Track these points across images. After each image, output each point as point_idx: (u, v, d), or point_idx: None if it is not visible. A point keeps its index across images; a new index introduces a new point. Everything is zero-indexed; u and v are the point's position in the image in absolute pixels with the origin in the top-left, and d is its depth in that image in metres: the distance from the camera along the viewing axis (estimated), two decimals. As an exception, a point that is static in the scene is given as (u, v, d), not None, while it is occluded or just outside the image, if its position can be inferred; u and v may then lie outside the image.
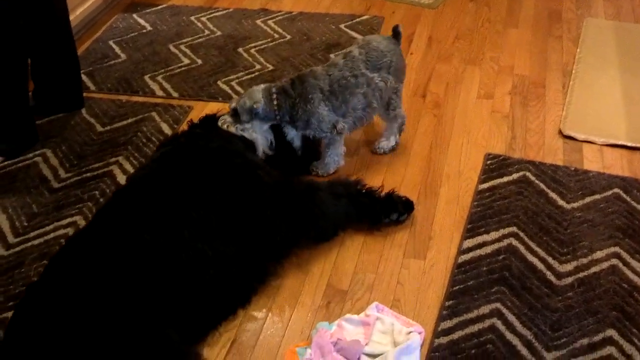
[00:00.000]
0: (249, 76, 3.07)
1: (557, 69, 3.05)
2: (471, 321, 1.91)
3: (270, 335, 1.91)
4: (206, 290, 1.90)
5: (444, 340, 1.86)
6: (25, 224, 2.30)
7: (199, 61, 3.20)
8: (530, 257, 2.10)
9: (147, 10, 3.69)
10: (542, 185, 2.36)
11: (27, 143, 2.65)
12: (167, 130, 2.72)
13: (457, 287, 2.01)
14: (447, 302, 1.96)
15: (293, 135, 2.41)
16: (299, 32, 3.42)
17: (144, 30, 3.49)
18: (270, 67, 3.13)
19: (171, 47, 3.32)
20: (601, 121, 2.69)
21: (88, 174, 2.51)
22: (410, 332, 1.85)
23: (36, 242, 2.23)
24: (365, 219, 2.23)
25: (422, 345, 1.85)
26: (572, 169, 2.44)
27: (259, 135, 2.36)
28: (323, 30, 3.43)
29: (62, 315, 1.71)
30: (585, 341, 1.85)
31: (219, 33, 3.44)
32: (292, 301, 2.01)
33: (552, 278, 2.03)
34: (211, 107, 2.82)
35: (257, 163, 2.24)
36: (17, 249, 2.20)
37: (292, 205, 2.10)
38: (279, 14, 3.61)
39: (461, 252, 2.12)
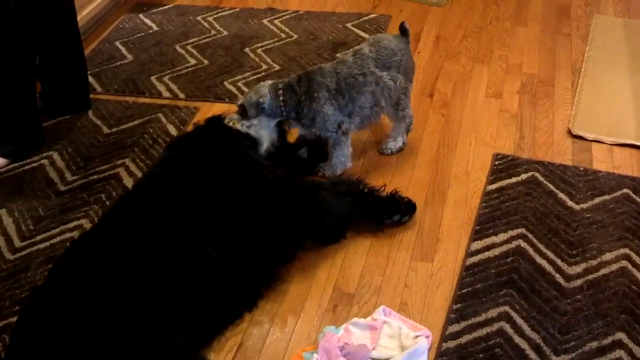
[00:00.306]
0: (255, 76, 3.05)
1: (566, 67, 3.02)
2: (479, 325, 1.89)
3: (277, 340, 1.91)
4: (212, 294, 1.89)
5: (451, 344, 1.85)
6: (32, 227, 2.30)
7: (206, 61, 3.19)
8: (539, 259, 2.08)
9: (154, 11, 3.68)
10: (551, 186, 2.34)
11: (35, 145, 2.65)
12: (173, 131, 2.71)
13: (465, 290, 1.99)
14: (455, 306, 1.95)
15: (301, 132, 2.41)
16: (305, 32, 3.40)
17: (151, 31, 3.48)
18: (277, 67, 3.12)
19: (178, 48, 3.31)
20: (611, 120, 2.67)
21: (95, 177, 2.50)
22: (417, 336, 1.83)
23: (42, 245, 2.23)
24: (368, 218, 2.22)
25: (429, 350, 1.83)
26: (582, 169, 2.42)
27: (265, 131, 2.35)
28: (330, 29, 3.41)
29: (68, 319, 1.71)
30: (594, 344, 1.84)
31: (225, 33, 3.43)
32: (298, 305, 2.00)
33: (561, 280, 2.01)
34: (218, 108, 2.80)
35: (262, 163, 2.23)
36: (23, 252, 2.20)
37: (296, 204, 2.09)
38: (286, 13, 3.59)
39: (469, 254, 2.11)
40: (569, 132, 2.62)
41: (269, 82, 2.35)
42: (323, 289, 2.04)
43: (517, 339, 1.85)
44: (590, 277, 2.02)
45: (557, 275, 2.03)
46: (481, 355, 1.81)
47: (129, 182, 2.46)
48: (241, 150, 2.23)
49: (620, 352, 1.81)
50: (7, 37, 2.37)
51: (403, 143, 2.55)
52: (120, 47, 3.35)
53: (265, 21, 3.53)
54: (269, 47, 3.29)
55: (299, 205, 2.09)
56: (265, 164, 2.22)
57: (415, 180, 2.43)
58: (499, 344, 1.84)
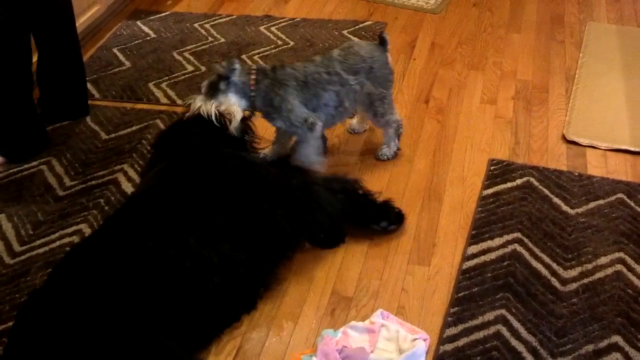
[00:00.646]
0: (252, 83, 3.07)
1: (560, 73, 3.06)
2: (476, 328, 1.91)
3: (275, 343, 1.92)
4: (212, 297, 1.90)
5: (449, 347, 1.86)
6: (31, 232, 2.31)
7: (203, 68, 3.21)
8: (535, 263, 2.10)
9: (151, 18, 3.70)
10: (546, 191, 2.37)
11: (36, 148, 2.66)
12: (171, 137, 2.73)
13: (462, 294, 2.01)
14: (452, 309, 1.96)
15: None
16: (302, 39, 3.43)
17: (148, 38, 3.50)
18: (274, 74, 3.13)
19: (175, 54, 3.33)
20: (605, 126, 2.70)
21: (93, 182, 2.52)
22: (415, 339, 1.85)
23: (41, 250, 2.23)
24: (358, 219, 2.24)
25: (427, 353, 1.85)
26: (576, 174, 2.45)
27: (236, 107, 2.30)
28: (326, 36, 3.44)
29: (64, 322, 1.72)
30: (590, 347, 1.85)
31: (222, 40, 3.45)
32: (297, 308, 2.01)
33: (557, 284, 2.03)
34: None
35: (254, 161, 2.25)
36: (23, 257, 2.21)
37: (289, 198, 2.10)
38: (282, 20, 3.62)
39: (466, 258, 2.13)
40: (564, 137, 2.65)
41: (240, 64, 2.32)
42: (321, 293, 2.06)
43: (514, 342, 1.87)
44: (585, 280, 2.04)
45: (553, 279, 2.05)
46: (478, 358, 1.83)
47: (127, 188, 2.47)
48: (231, 152, 2.24)
49: (616, 355, 1.83)
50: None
51: (397, 148, 2.57)
52: (118, 53, 3.36)
53: (262, 28, 3.55)
54: (265, 54, 3.31)
55: (292, 199, 2.11)
56: (257, 162, 2.26)
57: (412, 185, 2.45)
58: (496, 347, 1.85)
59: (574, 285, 2.03)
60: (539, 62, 3.14)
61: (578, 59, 3.13)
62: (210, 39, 3.47)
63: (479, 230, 2.22)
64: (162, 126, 2.79)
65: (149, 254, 1.87)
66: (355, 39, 2.42)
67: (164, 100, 3.00)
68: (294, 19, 3.63)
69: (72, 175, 2.56)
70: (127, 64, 3.28)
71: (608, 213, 2.28)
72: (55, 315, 1.74)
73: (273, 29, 3.54)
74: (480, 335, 1.89)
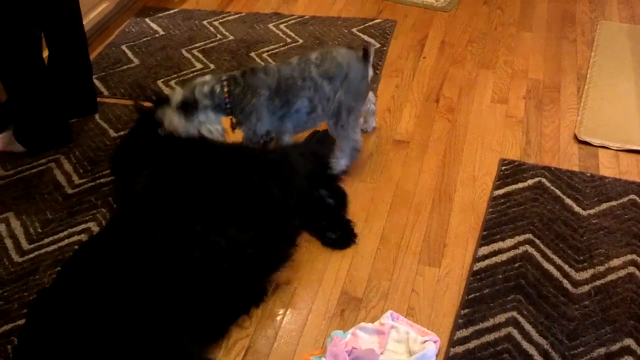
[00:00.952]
0: (261, 81, 3.06)
1: (572, 72, 3.03)
2: (487, 330, 1.89)
3: (284, 344, 1.91)
4: (221, 285, 1.91)
5: (459, 349, 1.85)
6: (40, 230, 2.30)
7: (212, 66, 3.20)
8: (546, 265, 2.08)
9: (160, 15, 3.69)
10: (557, 192, 2.35)
11: (57, 139, 2.67)
12: (180, 135, 2.72)
13: (473, 295, 1.99)
14: (462, 311, 1.95)
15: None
16: (311, 36, 3.41)
17: (157, 35, 3.49)
18: (283, 72, 3.12)
19: (184, 52, 3.32)
20: (617, 126, 2.67)
21: (102, 180, 2.51)
22: (425, 341, 1.84)
23: (50, 248, 2.23)
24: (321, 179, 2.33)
25: (437, 355, 1.83)
26: (588, 174, 2.42)
27: (217, 126, 2.30)
28: (335, 34, 3.42)
29: (75, 319, 1.71)
30: (602, 350, 1.84)
31: (231, 37, 3.44)
32: (305, 309, 2.00)
33: (569, 286, 2.01)
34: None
35: (240, 145, 2.34)
36: (31, 255, 2.21)
37: (274, 169, 2.17)
38: (291, 18, 3.60)
39: (476, 259, 2.11)
40: (575, 137, 2.62)
41: (208, 76, 2.31)
42: (330, 293, 2.04)
43: (525, 345, 1.85)
44: (597, 283, 2.02)
45: (565, 281, 2.03)
46: (489, 360, 1.82)
47: (136, 186, 2.46)
48: (206, 140, 2.30)
49: (628, 358, 1.81)
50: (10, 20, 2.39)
51: (346, 166, 2.44)
52: (127, 51, 3.35)
53: (270, 26, 3.53)
54: (274, 51, 3.30)
55: (275, 169, 2.17)
56: (243, 145, 2.35)
57: (422, 185, 2.43)
58: (507, 350, 1.84)
59: (586, 288, 2.01)
60: (550, 61, 3.12)
61: (590, 58, 3.11)
62: (219, 36, 3.45)
63: (490, 231, 2.20)
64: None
65: (159, 246, 1.88)
66: (337, 47, 2.33)
67: (172, 98, 2.99)
68: (302, 16, 3.61)
69: (80, 173, 2.55)
70: (136, 61, 3.27)
71: (620, 214, 2.26)
72: (66, 313, 1.73)
73: (282, 26, 3.52)
74: (491, 337, 1.87)
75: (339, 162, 2.43)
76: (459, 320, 1.92)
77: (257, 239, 2.01)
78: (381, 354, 1.82)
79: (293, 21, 3.56)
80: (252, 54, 3.27)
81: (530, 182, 2.39)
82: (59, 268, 2.10)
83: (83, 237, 2.26)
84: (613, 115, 2.73)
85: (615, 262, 2.09)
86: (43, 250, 2.22)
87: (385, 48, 3.26)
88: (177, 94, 2.29)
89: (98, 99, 2.92)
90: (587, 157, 2.53)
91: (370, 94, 2.50)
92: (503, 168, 2.46)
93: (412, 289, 2.05)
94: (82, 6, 2.75)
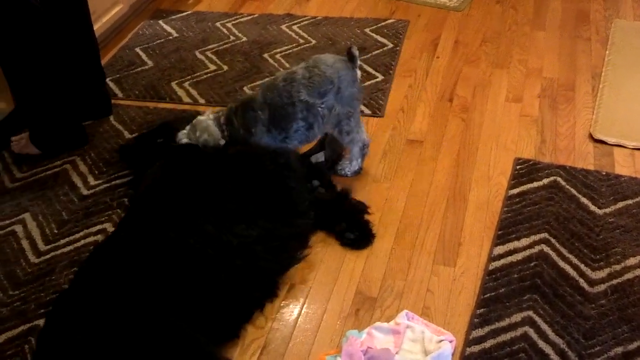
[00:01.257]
0: (274, 82, 3.07)
1: (586, 71, 3.01)
2: (503, 329, 1.89)
3: (300, 343, 1.91)
4: (235, 281, 1.92)
5: (475, 349, 1.84)
6: (56, 231, 2.32)
7: (225, 67, 3.21)
8: (562, 264, 2.07)
9: (173, 17, 3.70)
10: (573, 191, 2.33)
11: (73, 142, 2.69)
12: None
13: (488, 295, 1.98)
14: (478, 310, 1.94)
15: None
16: (324, 37, 3.41)
17: (170, 37, 3.50)
18: (296, 73, 3.12)
19: (197, 54, 3.33)
20: (632, 124, 2.65)
21: (117, 181, 2.52)
22: (441, 341, 1.83)
23: (66, 249, 2.24)
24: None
25: (453, 354, 1.82)
26: (604, 173, 2.41)
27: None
28: (348, 34, 3.42)
29: (94, 321, 1.73)
30: (619, 350, 1.82)
31: (244, 39, 3.45)
32: (321, 309, 2.00)
33: (585, 285, 2.00)
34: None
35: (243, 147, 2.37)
36: (48, 256, 2.22)
37: (279, 161, 2.23)
38: (304, 19, 3.61)
39: (492, 258, 2.10)
40: (590, 136, 2.61)
41: (211, 118, 2.34)
42: (345, 293, 2.04)
43: (542, 344, 1.84)
44: (614, 281, 2.01)
45: (581, 280, 2.02)
46: None
47: (151, 187, 2.48)
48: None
49: (646, 358, 1.80)
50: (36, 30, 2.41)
51: (359, 167, 2.47)
52: (141, 53, 3.37)
53: (283, 27, 3.54)
54: (287, 52, 3.31)
55: (280, 161, 2.23)
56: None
57: (436, 184, 2.43)
58: (523, 349, 1.83)
59: (603, 287, 2.00)
60: (564, 60, 3.10)
61: (604, 57, 3.09)
62: (232, 38, 3.46)
63: (505, 230, 2.19)
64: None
65: (173, 246, 1.90)
66: (323, 56, 2.32)
67: (186, 99, 3.00)
68: (315, 17, 3.61)
69: (96, 174, 2.56)
70: (150, 63, 3.28)
71: (637, 213, 2.24)
72: (85, 316, 1.75)
73: (295, 27, 3.53)
74: (507, 337, 1.87)
75: (351, 165, 2.45)
76: (475, 320, 1.92)
77: (264, 237, 2.04)
78: (397, 353, 1.82)
79: (306, 22, 3.57)
80: (265, 55, 3.28)
81: (545, 181, 2.38)
82: (75, 269, 2.12)
83: (99, 237, 2.27)
84: (628, 114, 2.72)
85: (632, 260, 2.07)
86: (59, 251, 2.24)
87: (398, 48, 3.26)
88: (182, 136, 2.37)
89: (112, 101, 2.93)
90: (602, 156, 2.51)
91: (365, 134, 2.43)
92: (518, 167, 2.45)
93: (427, 288, 2.04)
94: (96, 9, 2.78)
